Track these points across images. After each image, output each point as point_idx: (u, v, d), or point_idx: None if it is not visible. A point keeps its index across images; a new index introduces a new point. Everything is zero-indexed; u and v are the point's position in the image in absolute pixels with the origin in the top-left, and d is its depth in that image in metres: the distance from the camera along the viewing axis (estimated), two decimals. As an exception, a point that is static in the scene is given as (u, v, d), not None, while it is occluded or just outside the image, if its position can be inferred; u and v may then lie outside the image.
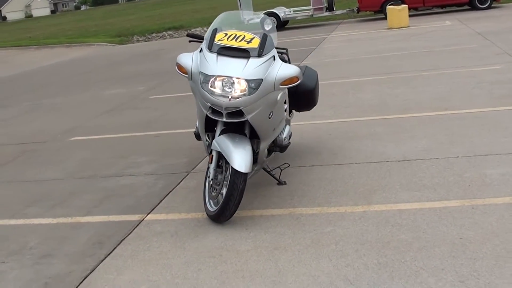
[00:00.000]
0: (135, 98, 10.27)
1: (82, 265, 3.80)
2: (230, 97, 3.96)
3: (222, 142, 4.11)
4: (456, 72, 8.74)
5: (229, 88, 3.97)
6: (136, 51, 20.54)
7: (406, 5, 16.48)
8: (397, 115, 6.69)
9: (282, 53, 5.50)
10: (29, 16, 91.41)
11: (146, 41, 27.47)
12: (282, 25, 21.62)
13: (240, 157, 4.01)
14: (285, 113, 4.62)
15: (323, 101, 7.83)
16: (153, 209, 4.65)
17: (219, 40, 4.15)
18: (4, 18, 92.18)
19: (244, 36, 4.15)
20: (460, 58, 9.95)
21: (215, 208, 4.15)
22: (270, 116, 4.21)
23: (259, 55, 4.07)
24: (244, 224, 4.14)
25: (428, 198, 4.17)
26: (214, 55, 4.09)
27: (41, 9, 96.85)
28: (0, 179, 6.11)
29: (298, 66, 5.48)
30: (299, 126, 6.71)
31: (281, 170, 4.94)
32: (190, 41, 4.55)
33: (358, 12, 20.76)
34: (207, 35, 4.27)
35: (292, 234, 3.88)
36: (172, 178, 5.38)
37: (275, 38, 4.48)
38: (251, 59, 4.04)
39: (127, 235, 4.19)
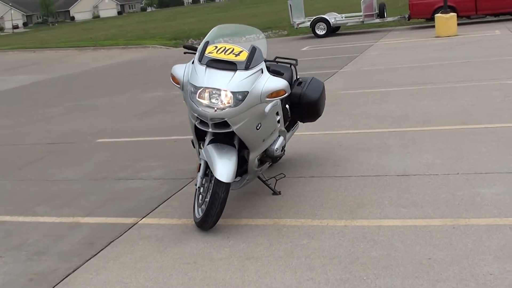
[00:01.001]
0: (168, 102, 10.54)
1: (68, 263, 4.00)
2: (215, 108, 4.07)
3: (208, 152, 4.23)
4: (487, 84, 8.54)
5: (216, 99, 4.08)
6: (187, 54, 20.93)
7: (455, 14, 16.11)
8: (414, 127, 6.62)
9: (291, 64, 5.59)
10: (96, 17, 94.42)
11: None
12: (332, 30, 21.56)
13: (222, 167, 4.11)
14: (278, 125, 4.68)
15: (345, 111, 7.87)
16: (149, 213, 4.82)
17: (209, 52, 4.27)
18: (72, 18, 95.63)
19: (233, 49, 4.25)
20: (496, 70, 9.70)
21: (201, 215, 4.27)
22: (258, 128, 4.29)
23: (246, 67, 4.16)
24: (228, 232, 4.24)
25: (412, 216, 4.15)
26: (204, 67, 4.21)
27: (108, 10, 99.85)
28: (24, 177, 6.45)
29: (304, 77, 5.61)
30: (313, 136, 6.75)
31: (276, 180, 5.01)
32: (185, 53, 4.69)
33: (409, 20, 20.44)
34: (199, 47, 4.40)
35: (268, 244, 3.95)
36: (177, 183, 5.54)
37: (265, 51, 4.55)
38: (238, 72, 4.14)
39: (117, 238, 4.37)
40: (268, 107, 4.31)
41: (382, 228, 4.00)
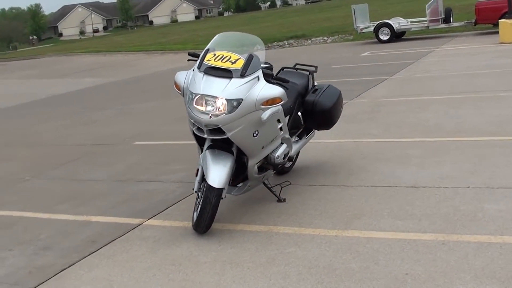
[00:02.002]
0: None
1: (66, 259, 4.19)
2: (210, 115, 4.15)
3: (204, 157, 4.32)
4: (534, 95, 8.17)
5: (212, 106, 4.16)
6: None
7: (520, 19, 15.45)
8: (442, 138, 6.45)
9: (310, 72, 5.61)
10: (174, 21, 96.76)
11: (266, 49, 28.06)
12: (397, 36, 21.16)
13: (215, 173, 4.19)
14: (281, 132, 4.70)
15: (380, 119, 7.76)
16: (156, 215, 4.96)
17: (207, 60, 4.35)
18: (151, 22, 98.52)
19: (230, 57, 4.31)
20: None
21: (195, 219, 4.36)
22: (255, 135, 4.33)
23: (242, 75, 4.21)
24: (221, 236, 4.31)
25: (405, 229, 4.07)
26: (202, 74, 4.30)
27: (186, 15, 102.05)
28: (55, 176, 6.77)
29: (321, 84, 5.60)
30: (339, 143, 6.72)
31: (281, 187, 5.03)
32: (188, 60, 4.80)
33: (475, 25, 19.75)
34: (200, 55, 4.49)
35: (254, 251, 3.99)
36: (192, 186, 5.65)
37: (263, 58, 4.58)
38: (233, 79, 4.20)
39: (119, 237, 4.53)
40: (266, 115, 4.34)
41: (371, 240, 3.95)
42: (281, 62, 17.42)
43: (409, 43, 19.65)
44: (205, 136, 4.28)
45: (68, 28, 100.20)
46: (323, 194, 5.01)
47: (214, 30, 46.29)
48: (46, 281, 3.86)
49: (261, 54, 4.59)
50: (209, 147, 4.41)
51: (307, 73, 5.64)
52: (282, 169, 5.60)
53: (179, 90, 4.54)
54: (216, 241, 4.23)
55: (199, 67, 4.36)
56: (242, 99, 4.16)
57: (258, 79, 4.30)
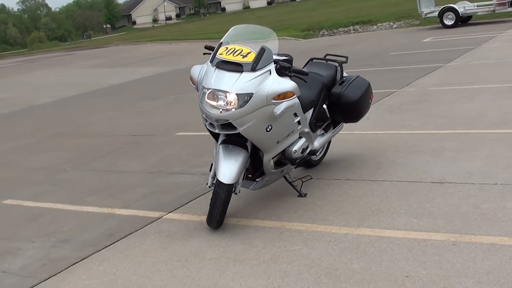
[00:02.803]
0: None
1: (81, 252, 4.28)
2: (221, 110, 4.11)
3: (217, 152, 4.30)
4: None
5: (222, 101, 4.12)
6: (307, 47, 20.93)
7: None
8: (483, 129, 6.15)
9: (339, 63, 5.47)
10: (246, 8, 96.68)
11: (330, 35, 27.76)
12: (463, 20, 20.34)
13: (226, 168, 4.16)
14: (299, 126, 4.60)
15: (424, 109, 7.49)
16: (177, 208, 4.98)
17: (219, 54, 4.31)
18: (223, 9, 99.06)
19: (242, 50, 4.25)
20: None
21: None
22: (268, 129, 4.26)
23: (253, 69, 4.15)
24: (233, 232, 4.29)
25: (419, 228, 3.90)
26: (214, 68, 4.27)
27: (258, 1, 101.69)
28: (93, 167, 6.92)
29: (350, 76, 5.44)
30: (375, 135, 6.53)
31: (302, 182, 4.94)
32: (204, 53, 4.76)
33: (546, 8, 18.69)
34: (215, 49, 4.45)
35: (261, 247, 3.94)
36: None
37: (275, 50, 4.48)
38: (243, 73, 4.14)
39: (136, 231, 4.59)
40: (279, 109, 4.26)
41: (381, 239, 3.82)
42: (335, 49, 17.15)
43: (474, 28, 18.86)
44: (217, 131, 4.25)
45: (142, 16, 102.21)
46: (346, 189, 4.89)
47: (282, 16, 46.43)
48: (56, 274, 3.96)
49: (274, 46, 4.49)
50: (223, 142, 4.38)
51: (336, 64, 5.50)
52: (310, 162, 5.51)
53: (194, 84, 4.52)
54: (227, 237, 4.21)
55: (211, 61, 4.33)
56: (253, 94, 4.10)
57: (270, 73, 4.23)
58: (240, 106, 4.08)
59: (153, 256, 4.06)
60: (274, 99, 4.16)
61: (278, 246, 3.92)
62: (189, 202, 5.12)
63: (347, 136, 6.51)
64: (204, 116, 4.28)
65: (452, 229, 3.82)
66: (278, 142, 4.45)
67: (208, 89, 4.20)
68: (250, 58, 4.20)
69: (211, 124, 4.29)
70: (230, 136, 4.34)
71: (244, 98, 4.08)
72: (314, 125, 5.10)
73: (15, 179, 6.77)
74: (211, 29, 41.65)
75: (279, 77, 4.23)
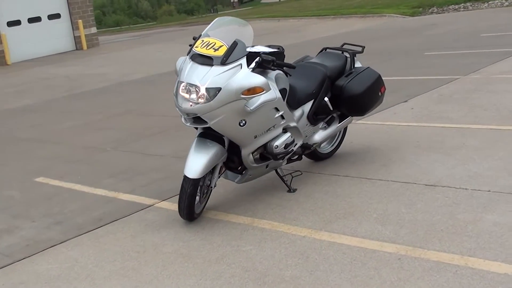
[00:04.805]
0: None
1: (64, 235, 4.50)
2: (191, 104, 4.11)
3: (191, 145, 4.32)
4: None
5: (195, 94, 4.12)
6: (408, 26, 20.04)
7: None
8: (519, 127, 5.62)
9: (352, 53, 5.26)
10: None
11: (439, 13, 26.35)
12: None
13: (192, 163, 4.18)
14: (282, 121, 4.47)
15: (472, 100, 7.00)
16: (172, 197, 5.04)
17: (195, 47, 4.28)
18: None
19: (215, 44, 4.19)
20: None
21: (181, 207, 4.41)
22: (241, 124, 4.20)
23: (223, 63, 4.09)
24: (204, 226, 4.31)
25: (377, 237, 3.71)
26: (189, 61, 4.26)
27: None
28: (129, 149, 7.10)
29: (360, 67, 5.19)
30: (406, 127, 6.21)
31: (292, 177, 4.82)
32: (189, 45, 4.71)
33: None
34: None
35: (217, 245, 3.93)
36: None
37: (249, 43, 4.35)
38: (213, 67, 4.10)
39: (123, 217, 4.73)
40: (254, 104, 4.18)
41: (333, 245, 3.67)
42: (431, 28, 16.26)
43: None
44: (188, 124, 4.26)
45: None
46: (337, 187, 4.71)
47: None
48: (31, 256, 4.20)
49: (248, 39, 4.38)
50: (200, 135, 4.39)
51: (347, 54, 5.26)
52: (317, 155, 5.35)
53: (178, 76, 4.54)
54: (193, 231, 4.24)
55: (188, 53, 4.33)
56: (221, 88, 4.05)
57: (241, 67, 4.14)
58: (208, 100, 4.05)
59: (120, 245, 4.19)
60: (243, 94, 4.09)
61: (232, 245, 3.90)
62: (187, 190, 5.18)
63: (378, 126, 6.27)
64: (177, 109, 4.30)
65: (410, 240, 3.58)
66: (256, 137, 4.37)
67: (181, 82, 4.21)
68: (221, 51, 4.14)
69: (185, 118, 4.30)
70: (208, 129, 4.33)
71: (212, 92, 4.05)
72: (315, 118, 4.95)
73: (59, 158, 7.18)
74: (327, 5, 40.97)
75: (249, 72, 4.14)
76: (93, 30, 22.54)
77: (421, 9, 28.02)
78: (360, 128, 6.34)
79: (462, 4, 26.80)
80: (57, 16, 21.13)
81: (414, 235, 3.64)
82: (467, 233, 3.56)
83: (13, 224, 4.91)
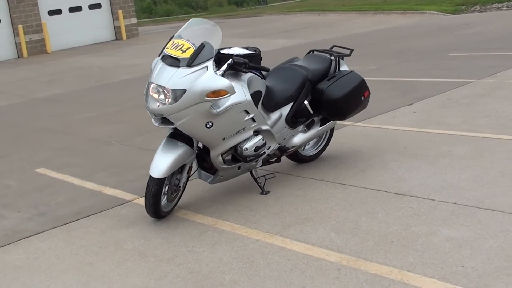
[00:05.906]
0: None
1: (42, 227, 4.66)
2: (159, 104, 4.19)
3: (160, 145, 4.40)
4: None
5: (163, 95, 4.20)
6: (445, 24, 19.60)
7: None
8: (510, 136, 5.46)
9: (339, 56, 5.24)
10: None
11: (481, 11, 25.64)
12: None
13: (157, 163, 4.27)
14: (253, 123, 4.49)
15: (477, 106, 6.85)
16: (152, 193, 5.16)
17: (166, 48, 4.36)
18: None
19: (183, 45, 4.25)
20: None
21: (150, 204, 4.50)
22: (208, 126, 4.25)
23: (189, 65, 4.14)
24: (168, 225, 4.40)
25: (327, 245, 3.73)
26: (160, 62, 4.34)
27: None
28: (131, 143, 7.23)
29: (344, 71, 5.15)
30: (400, 132, 6.13)
31: (266, 179, 4.85)
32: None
33: None
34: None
35: (173, 245, 4.03)
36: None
37: (217, 46, 4.38)
38: (180, 69, 4.17)
39: (99, 212, 4.86)
40: (221, 107, 4.23)
41: (281, 251, 3.71)
42: (466, 27, 15.86)
43: None
44: (156, 124, 4.35)
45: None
46: (308, 191, 4.72)
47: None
48: (4, 246, 4.38)
49: (216, 42, 4.41)
50: (170, 135, 4.47)
51: (331, 58, 5.24)
52: (299, 157, 5.35)
53: None
54: (158, 230, 4.34)
55: (159, 54, 4.41)
56: (186, 90, 4.11)
57: (207, 69, 4.19)
58: (173, 102, 4.13)
59: (87, 239, 4.32)
60: (207, 96, 4.14)
61: (188, 246, 3.97)
62: (168, 188, 5.28)
63: (373, 130, 6.23)
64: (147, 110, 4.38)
65: (356, 251, 3.58)
66: (224, 139, 4.41)
67: (151, 83, 4.29)
68: (188, 53, 4.20)
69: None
70: (177, 130, 4.40)
71: (178, 94, 4.12)
72: (294, 121, 4.96)
73: (64, 149, 7.39)
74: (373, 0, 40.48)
75: (214, 74, 4.18)
76: (133, 20, 22.90)
77: (463, 6, 27.33)
78: (354, 131, 6.30)
79: (506, 3, 26.00)
80: (98, 6, 21.57)
81: (362, 245, 3.63)
82: (415, 247, 3.53)
83: (0, 214, 5.12)
